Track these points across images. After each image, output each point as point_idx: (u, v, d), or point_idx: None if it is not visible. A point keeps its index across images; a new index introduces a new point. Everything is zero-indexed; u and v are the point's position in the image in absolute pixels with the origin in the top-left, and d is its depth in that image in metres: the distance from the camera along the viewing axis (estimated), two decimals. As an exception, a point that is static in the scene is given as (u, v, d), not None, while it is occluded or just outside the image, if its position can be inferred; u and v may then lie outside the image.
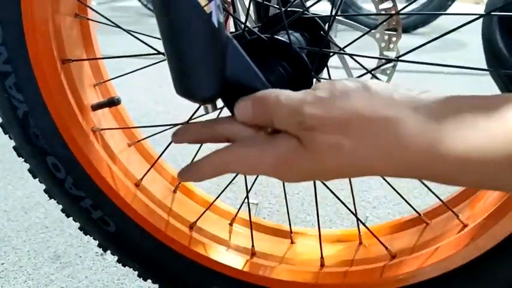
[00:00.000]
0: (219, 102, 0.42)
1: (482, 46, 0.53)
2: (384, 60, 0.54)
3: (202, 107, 0.41)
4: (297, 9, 0.51)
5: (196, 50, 0.36)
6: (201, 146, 0.66)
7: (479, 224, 0.53)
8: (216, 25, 0.37)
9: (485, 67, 0.54)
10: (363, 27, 0.55)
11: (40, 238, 0.99)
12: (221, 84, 0.38)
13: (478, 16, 0.41)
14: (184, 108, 0.46)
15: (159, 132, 0.66)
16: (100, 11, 0.61)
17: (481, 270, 0.53)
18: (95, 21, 0.64)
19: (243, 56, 0.39)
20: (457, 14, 0.44)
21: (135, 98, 1.81)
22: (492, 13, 0.46)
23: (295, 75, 0.44)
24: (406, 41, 0.59)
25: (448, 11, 3.26)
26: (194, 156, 0.67)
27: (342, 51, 0.52)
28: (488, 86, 0.65)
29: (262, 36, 0.44)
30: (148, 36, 0.56)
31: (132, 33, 0.57)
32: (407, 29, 2.87)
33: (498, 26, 0.47)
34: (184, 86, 0.38)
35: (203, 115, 0.51)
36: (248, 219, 0.68)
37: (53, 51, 0.57)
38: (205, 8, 0.36)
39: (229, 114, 0.42)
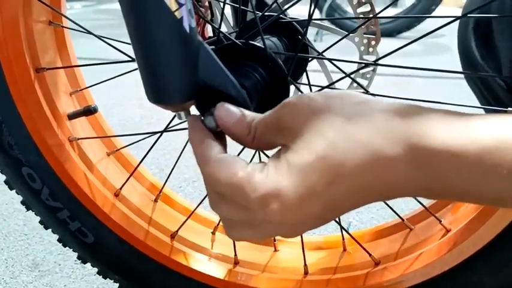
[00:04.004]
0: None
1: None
2: (363, 64, 0.54)
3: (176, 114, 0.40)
4: (274, 14, 0.50)
5: (167, 56, 0.35)
6: (184, 148, 0.65)
7: (461, 229, 0.52)
8: (188, 30, 0.36)
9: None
10: (341, 31, 0.54)
11: (18, 245, 0.97)
12: (194, 90, 0.37)
13: (455, 18, 0.40)
14: (168, 113, 0.45)
15: (138, 141, 0.65)
16: (84, 13, 0.60)
17: (466, 275, 0.52)
18: (69, 28, 0.62)
19: (216, 61, 0.37)
20: (435, 16, 0.44)
21: (119, 102, 1.79)
22: (468, 15, 0.45)
23: (271, 80, 0.43)
24: (390, 44, 0.59)
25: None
26: (177, 159, 0.66)
27: (320, 56, 0.51)
28: (470, 90, 0.65)
29: (237, 41, 0.43)
30: (120, 42, 0.55)
31: (104, 39, 0.56)
32: (391, 34, 2.88)
33: (473, 33, 0.46)
34: (156, 92, 0.37)
35: (181, 123, 0.50)
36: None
37: (25, 58, 0.55)
38: (176, 13, 0.35)
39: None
